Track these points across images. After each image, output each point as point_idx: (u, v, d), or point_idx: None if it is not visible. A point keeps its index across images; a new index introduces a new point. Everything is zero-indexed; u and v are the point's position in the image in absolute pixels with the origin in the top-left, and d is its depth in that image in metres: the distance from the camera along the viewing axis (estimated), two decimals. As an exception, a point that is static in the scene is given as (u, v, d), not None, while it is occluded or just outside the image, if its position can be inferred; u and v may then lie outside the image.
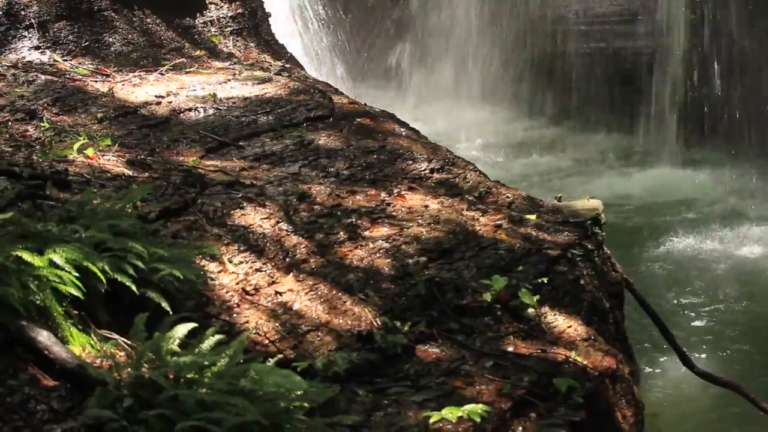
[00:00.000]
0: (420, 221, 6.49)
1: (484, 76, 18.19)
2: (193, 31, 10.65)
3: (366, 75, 19.62)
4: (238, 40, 11.13)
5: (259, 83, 8.85)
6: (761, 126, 14.07)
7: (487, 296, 5.77)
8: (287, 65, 10.99)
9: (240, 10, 11.40)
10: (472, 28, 18.35)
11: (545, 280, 6.07)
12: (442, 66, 18.84)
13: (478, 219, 6.73)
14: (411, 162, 7.54)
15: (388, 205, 6.65)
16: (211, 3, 11.13)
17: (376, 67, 19.80)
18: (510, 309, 5.81)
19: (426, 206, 6.75)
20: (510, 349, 5.47)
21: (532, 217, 7.05)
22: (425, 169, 7.45)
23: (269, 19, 12.38)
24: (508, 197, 7.37)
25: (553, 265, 6.44)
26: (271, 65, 10.58)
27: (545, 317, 5.91)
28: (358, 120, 8.11)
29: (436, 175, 7.42)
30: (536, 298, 5.91)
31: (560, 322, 5.92)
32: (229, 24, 11.17)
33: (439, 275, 5.87)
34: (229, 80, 8.83)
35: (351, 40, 20.01)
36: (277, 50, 12.02)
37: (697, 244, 11.41)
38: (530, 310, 5.89)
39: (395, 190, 6.94)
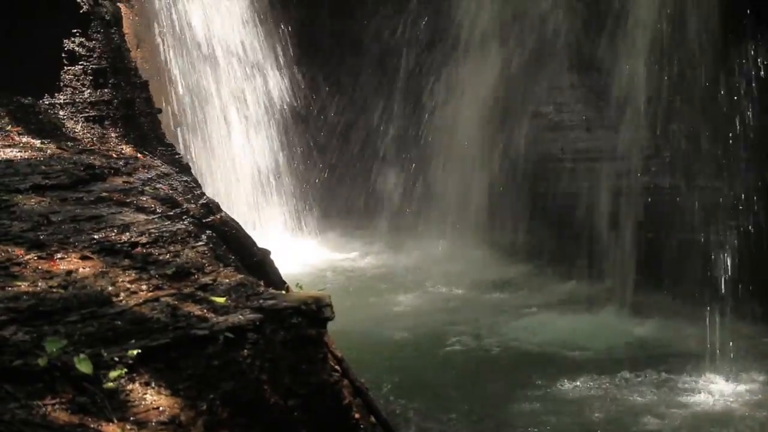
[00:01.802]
0: (41, 284, 5.37)
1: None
2: (34, 111, 9.88)
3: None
4: (94, 128, 10.33)
5: (31, 152, 7.96)
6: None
7: (42, 361, 4.62)
8: (151, 161, 10.11)
9: (106, 98, 10.65)
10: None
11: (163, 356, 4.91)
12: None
13: (130, 289, 5.56)
14: (121, 233, 6.45)
15: (20, 264, 5.55)
16: (68, 86, 10.39)
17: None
18: (72, 378, 4.67)
19: (73, 270, 5.63)
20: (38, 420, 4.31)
21: (221, 299, 5.88)
22: (129, 241, 6.34)
23: (158, 115, 11.61)
24: (214, 280, 6.20)
25: (195, 345, 5.25)
26: (118, 156, 9.70)
27: (131, 393, 4.73)
28: (99, 187, 7.08)
29: (140, 250, 6.29)
30: (122, 371, 4.74)
31: (148, 401, 4.72)
32: (87, 110, 10.40)
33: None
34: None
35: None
36: (157, 147, 11.22)
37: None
38: (110, 384, 4.72)
39: (59, 255, 5.85)
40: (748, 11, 12.79)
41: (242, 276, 6.58)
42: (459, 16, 17.01)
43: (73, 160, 8.06)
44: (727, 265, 13.06)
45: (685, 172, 13.80)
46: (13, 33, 9.98)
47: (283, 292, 6.51)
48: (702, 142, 13.61)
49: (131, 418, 4.57)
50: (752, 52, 12.90)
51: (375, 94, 18.38)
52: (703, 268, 13.05)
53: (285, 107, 18.51)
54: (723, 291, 12.87)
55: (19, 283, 5.40)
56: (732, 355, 11.49)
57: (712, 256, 12.96)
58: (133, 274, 5.81)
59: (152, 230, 6.66)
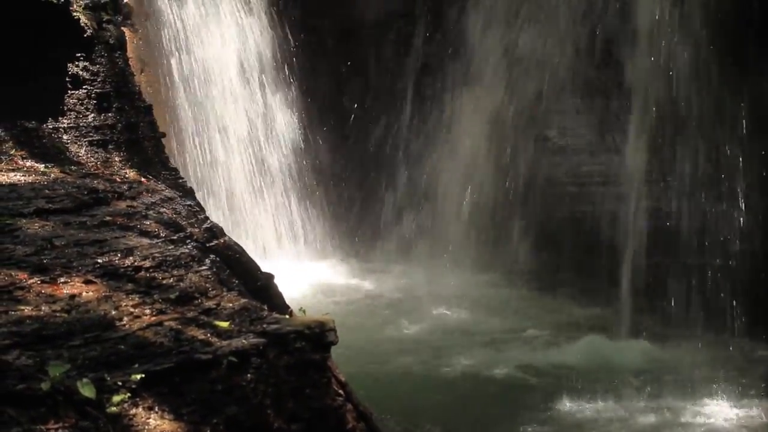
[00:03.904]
0: (44, 308, 5.36)
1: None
2: (38, 135, 9.88)
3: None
4: (97, 152, 10.33)
5: (35, 176, 7.96)
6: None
7: (45, 385, 4.61)
8: (154, 185, 10.11)
9: (110, 122, 10.65)
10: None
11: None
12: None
13: (134, 314, 5.55)
14: (124, 257, 6.45)
15: (24, 288, 5.54)
16: (72, 110, 10.39)
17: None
18: (75, 402, 4.65)
19: (76, 295, 5.62)
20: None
21: (224, 324, 5.87)
22: (133, 265, 6.33)
23: (161, 139, 11.62)
24: (218, 304, 6.18)
25: (198, 369, 5.24)
26: (122, 180, 9.70)
27: (134, 418, 4.70)
28: (103, 211, 7.08)
29: (143, 274, 6.28)
30: (125, 396, 4.72)
31: (152, 425, 4.71)
32: (91, 134, 10.40)
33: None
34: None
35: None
36: (160, 171, 11.21)
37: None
38: (113, 408, 4.70)
39: (62, 279, 5.84)
40: (751, 41, 12.85)
41: (246, 300, 6.57)
42: (466, 42, 17.06)
43: (77, 184, 8.06)
44: (733, 289, 13.03)
45: (688, 197, 13.78)
46: (16, 57, 9.98)
47: (287, 316, 6.51)
48: (705, 166, 13.60)
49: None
50: (755, 79, 12.94)
51: (381, 116, 18.40)
52: (707, 292, 13.01)
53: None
54: (728, 315, 12.84)
55: (22, 307, 5.39)
56: (740, 379, 11.45)
57: (717, 280, 12.92)
58: (137, 299, 5.80)
59: (156, 254, 6.65)
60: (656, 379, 11.85)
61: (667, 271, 13.59)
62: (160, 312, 5.80)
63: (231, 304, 6.37)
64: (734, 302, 12.60)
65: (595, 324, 13.92)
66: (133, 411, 4.81)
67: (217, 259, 8.15)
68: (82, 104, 10.65)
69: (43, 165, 9.08)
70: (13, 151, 9.24)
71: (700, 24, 13.51)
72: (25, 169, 8.64)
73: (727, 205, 13.10)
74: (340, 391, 6.21)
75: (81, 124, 10.32)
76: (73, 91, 10.52)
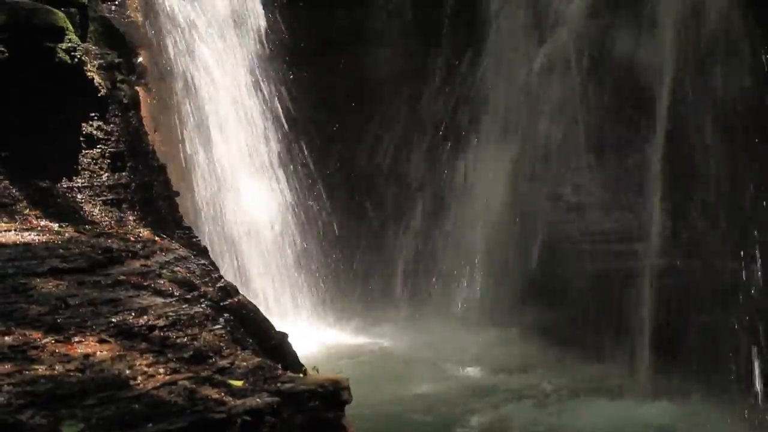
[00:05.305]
0: (59, 367, 5.32)
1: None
2: (52, 194, 9.90)
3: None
4: (111, 211, 10.34)
5: (49, 236, 7.96)
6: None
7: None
8: (168, 244, 10.09)
9: (124, 181, 10.68)
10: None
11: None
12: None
13: (148, 373, 5.50)
14: (138, 316, 6.42)
15: (38, 348, 5.51)
16: (86, 169, 10.43)
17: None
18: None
19: (90, 354, 5.58)
20: None
21: (238, 382, 5.83)
22: (147, 324, 6.30)
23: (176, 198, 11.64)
24: (232, 363, 6.14)
25: (212, 428, 5.19)
26: (136, 239, 9.68)
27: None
28: (117, 270, 7.06)
29: (157, 333, 6.25)
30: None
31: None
32: (105, 193, 10.42)
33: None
34: (10, 231, 7.99)
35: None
36: (174, 230, 11.22)
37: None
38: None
39: (76, 338, 5.81)
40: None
41: (260, 359, 6.53)
42: (478, 98, 17.13)
43: (91, 243, 8.05)
44: (747, 349, 12.90)
45: (705, 253, 13.69)
46: (31, 117, 10.02)
47: (301, 375, 6.45)
48: (719, 223, 13.53)
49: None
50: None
51: (393, 175, 18.45)
52: (722, 352, 12.86)
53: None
54: (744, 374, 12.69)
55: (36, 367, 5.36)
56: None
57: (732, 340, 12.79)
58: (151, 358, 5.76)
59: (170, 313, 6.62)
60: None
61: (684, 329, 13.41)
62: (174, 371, 5.76)
63: (245, 363, 6.32)
64: (753, 362, 12.44)
65: (613, 383, 13.73)
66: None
67: (231, 317, 8.10)
68: (96, 163, 10.68)
69: (58, 224, 9.08)
70: (27, 211, 9.25)
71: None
72: (39, 228, 8.64)
73: (745, 261, 12.99)
74: (356, 451, 6.15)
75: (95, 184, 10.33)
76: (87, 151, 10.55)
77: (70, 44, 10.28)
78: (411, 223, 18.41)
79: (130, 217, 10.47)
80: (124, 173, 10.75)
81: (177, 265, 8.58)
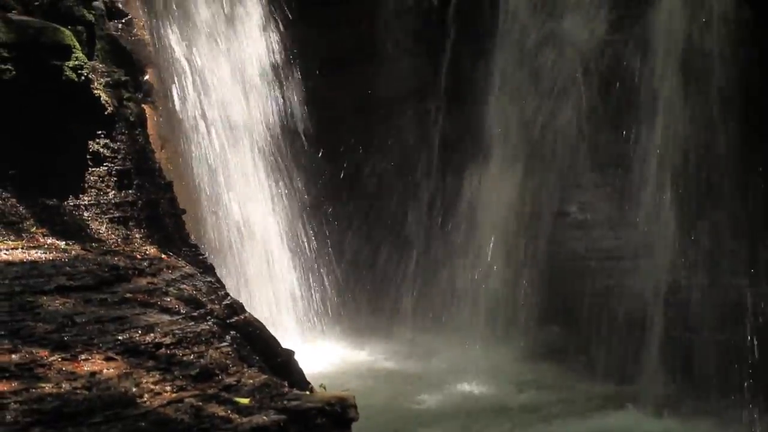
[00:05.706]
0: (65, 385, 5.32)
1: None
2: (59, 212, 9.90)
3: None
4: (118, 228, 10.34)
5: (56, 254, 7.97)
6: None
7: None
8: (175, 262, 10.10)
9: (130, 199, 10.68)
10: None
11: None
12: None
13: (154, 390, 5.50)
14: (145, 334, 6.41)
15: (45, 366, 5.51)
16: (93, 187, 10.43)
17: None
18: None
19: (97, 372, 5.58)
20: None
21: (245, 400, 5.83)
22: (154, 342, 6.29)
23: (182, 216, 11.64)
24: (238, 380, 6.13)
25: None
26: (143, 257, 9.69)
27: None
28: (124, 288, 7.06)
29: (164, 351, 6.24)
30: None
31: None
32: (111, 211, 10.42)
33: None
34: (17, 249, 8.00)
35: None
36: (181, 247, 11.22)
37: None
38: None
39: (83, 356, 5.80)
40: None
41: (266, 377, 6.52)
42: (484, 116, 17.13)
43: (98, 261, 8.05)
44: (755, 366, 12.85)
45: (711, 270, 13.66)
46: (38, 135, 10.04)
47: (308, 392, 6.44)
48: (726, 240, 13.50)
49: None
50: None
51: (398, 194, 18.45)
52: (730, 369, 12.82)
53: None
54: (752, 392, 12.64)
55: (43, 385, 5.35)
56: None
57: (740, 357, 12.75)
58: (157, 375, 5.76)
59: (176, 331, 6.62)
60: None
61: (692, 346, 13.39)
62: (181, 389, 5.75)
63: (251, 381, 6.31)
64: (762, 379, 12.39)
65: (620, 400, 13.67)
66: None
67: (238, 335, 8.10)
68: (102, 181, 10.68)
69: (64, 242, 9.09)
70: (34, 229, 9.26)
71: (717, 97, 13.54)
72: (46, 246, 8.65)
73: (751, 279, 12.95)
74: (363, 469, 6.12)
75: (102, 201, 10.33)
76: (93, 168, 10.56)
77: (77, 62, 10.31)
78: (417, 240, 18.38)
79: (137, 235, 10.46)
80: (130, 191, 10.75)
81: (183, 283, 8.59)
